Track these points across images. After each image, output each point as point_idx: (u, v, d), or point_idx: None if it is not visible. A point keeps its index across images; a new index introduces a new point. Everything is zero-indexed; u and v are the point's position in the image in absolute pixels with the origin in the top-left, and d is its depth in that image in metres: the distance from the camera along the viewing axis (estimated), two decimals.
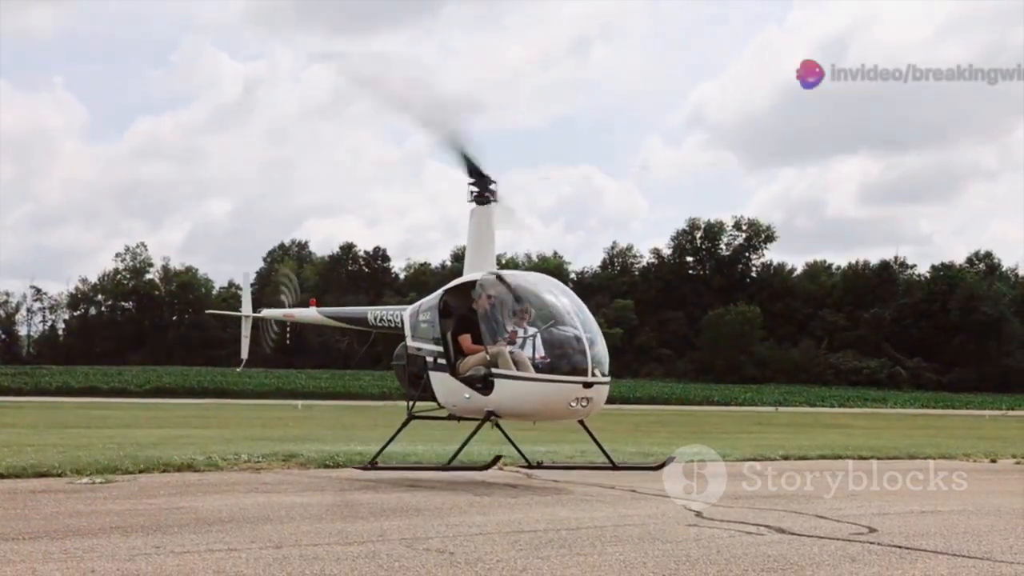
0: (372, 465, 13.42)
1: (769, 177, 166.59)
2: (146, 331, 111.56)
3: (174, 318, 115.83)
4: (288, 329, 17.42)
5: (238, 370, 20.35)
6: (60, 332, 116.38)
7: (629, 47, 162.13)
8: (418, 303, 13.62)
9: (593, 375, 11.90)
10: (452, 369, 12.61)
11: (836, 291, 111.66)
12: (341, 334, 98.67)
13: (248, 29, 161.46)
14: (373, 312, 14.85)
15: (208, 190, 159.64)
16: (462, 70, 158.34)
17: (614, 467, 13.19)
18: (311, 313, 16.53)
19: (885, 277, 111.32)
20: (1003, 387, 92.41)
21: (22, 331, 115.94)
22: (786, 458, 17.38)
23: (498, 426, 13.59)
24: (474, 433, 12.85)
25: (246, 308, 18.37)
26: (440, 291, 13.22)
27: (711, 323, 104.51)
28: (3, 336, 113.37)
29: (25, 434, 21.71)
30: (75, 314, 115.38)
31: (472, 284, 12.73)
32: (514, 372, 11.88)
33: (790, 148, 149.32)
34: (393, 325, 14.16)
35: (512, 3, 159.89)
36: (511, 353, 11.99)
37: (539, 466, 13.79)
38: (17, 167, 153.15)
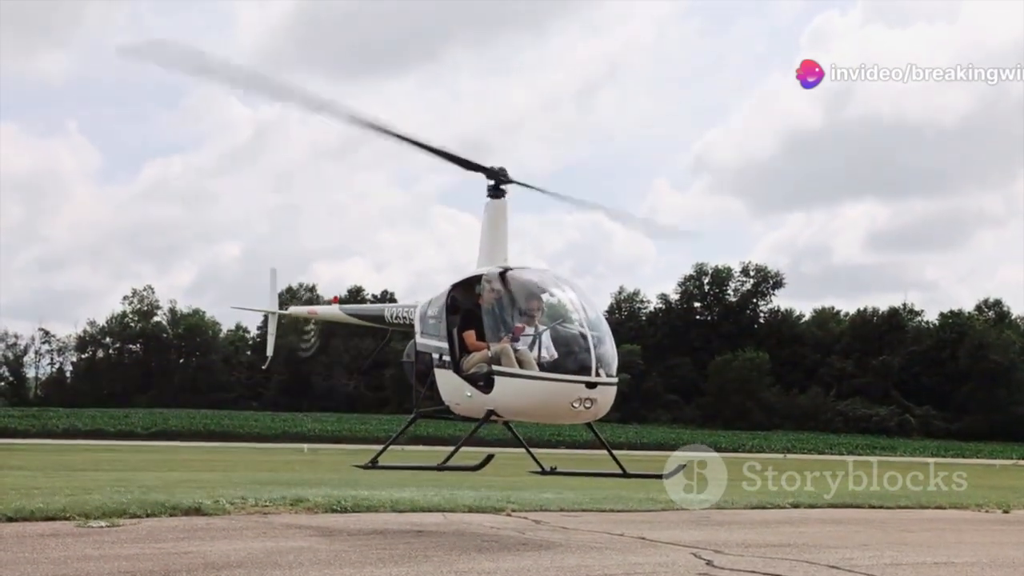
0: (373, 464, 13.13)
1: (775, 223, 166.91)
2: (153, 373, 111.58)
3: (181, 361, 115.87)
4: (312, 330, 17.42)
5: (264, 367, 20.40)
6: (68, 374, 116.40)
7: (635, 92, 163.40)
8: (428, 300, 13.21)
9: (598, 375, 11.31)
10: (456, 366, 12.18)
11: (844, 338, 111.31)
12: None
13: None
14: (389, 309, 14.61)
15: (216, 233, 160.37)
16: (468, 114, 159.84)
17: (625, 475, 12.68)
18: (333, 310, 16.45)
19: (894, 324, 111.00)
20: (1014, 436, 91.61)
21: (30, 373, 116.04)
22: (796, 506, 17.28)
23: (510, 429, 13.39)
24: (472, 432, 12.33)
25: (272, 305, 18.15)
26: (448, 287, 12.83)
27: (718, 369, 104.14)
28: (11, 378, 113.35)
29: (33, 477, 21.65)
30: (83, 356, 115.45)
31: (478, 279, 12.35)
32: (515, 370, 11.37)
33: (796, 193, 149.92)
34: (407, 322, 13.86)
35: (518, 48, 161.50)
36: (516, 351, 11.51)
37: (553, 472, 13.22)
38: (27, 210, 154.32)
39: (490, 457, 12.33)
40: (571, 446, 60.75)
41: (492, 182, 13.06)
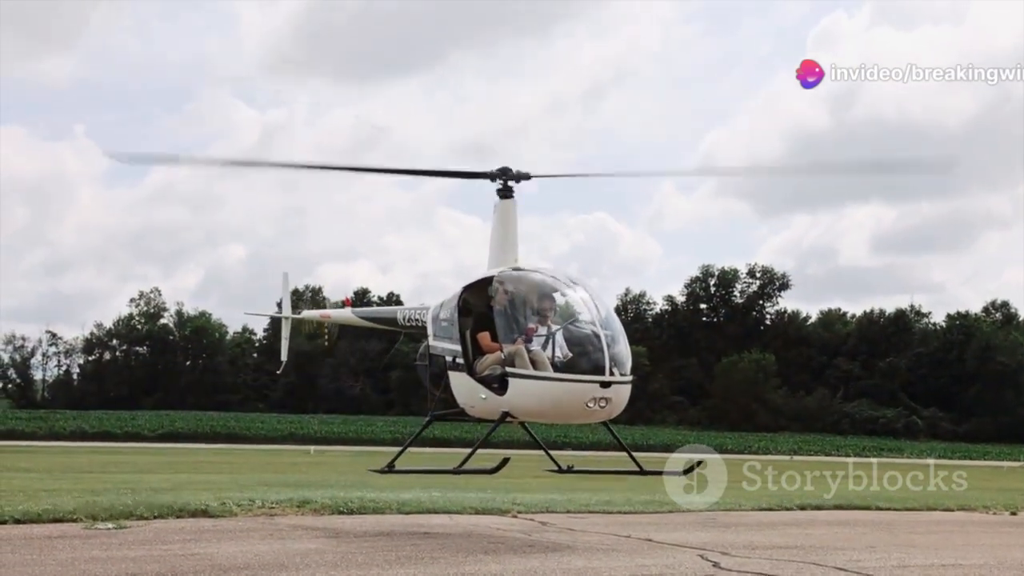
0: (389, 468, 13.12)
1: (781, 225, 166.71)
2: (159, 376, 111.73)
3: (187, 363, 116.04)
4: (327, 331, 17.56)
5: (278, 372, 20.96)
6: (75, 376, 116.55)
7: (640, 94, 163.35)
8: (440, 302, 13.17)
9: (611, 374, 11.26)
10: (470, 369, 12.15)
11: (851, 339, 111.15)
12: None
13: (262, 77, 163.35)
14: (402, 312, 14.66)
15: (222, 235, 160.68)
16: (473, 117, 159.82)
17: (641, 472, 12.64)
18: (345, 313, 16.67)
19: (900, 326, 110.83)
20: (1021, 438, 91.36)
21: (37, 375, 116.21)
22: (802, 508, 17.25)
23: (526, 429, 13.40)
24: (488, 435, 12.28)
25: (286, 310, 18.33)
26: (459, 288, 12.78)
27: (725, 371, 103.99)
28: (18, 380, 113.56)
29: (40, 479, 21.71)
30: (90, 359, 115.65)
31: (490, 280, 12.27)
32: (529, 371, 11.33)
33: (802, 195, 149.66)
34: (420, 325, 13.85)
35: (522, 51, 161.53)
36: (530, 352, 11.43)
37: (570, 470, 13.23)
38: (34, 212, 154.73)
39: (506, 460, 12.26)
40: (577, 447, 60.70)
41: (500, 183, 13.05)
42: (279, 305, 18.78)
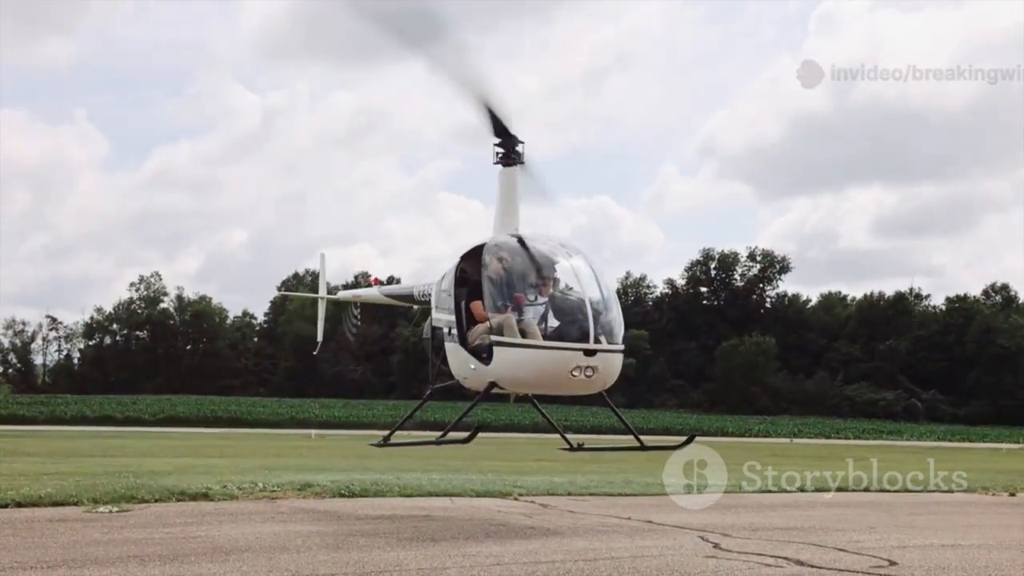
0: (385, 441, 13.40)
1: (782, 208, 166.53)
2: (160, 360, 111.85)
3: (188, 347, 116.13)
4: (358, 312, 17.77)
5: (315, 352, 21.63)
6: (75, 361, 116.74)
7: (642, 77, 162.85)
8: (443, 273, 12.98)
9: (598, 342, 10.91)
10: (463, 339, 11.96)
11: (851, 323, 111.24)
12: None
13: (261, 61, 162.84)
14: (417, 288, 14.68)
15: (223, 220, 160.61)
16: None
17: (643, 447, 12.64)
18: (373, 293, 16.92)
19: (900, 309, 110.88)
20: (1020, 420, 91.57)
21: (38, 360, 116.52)
22: (802, 490, 17.28)
23: (539, 409, 13.43)
24: (473, 406, 12.21)
25: (322, 290, 18.68)
26: (458, 258, 12.60)
27: (725, 354, 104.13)
28: (19, 365, 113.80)
29: (41, 463, 21.74)
30: (90, 343, 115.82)
31: (482, 248, 11.97)
32: (514, 340, 11.07)
33: (803, 179, 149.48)
34: (430, 298, 13.79)
35: (524, 33, 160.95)
36: (519, 321, 11.19)
37: (580, 448, 13.18)
38: (35, 197, 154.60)
39: (478, 429, 12.08)
40: (578, 431, 60.82)
41: (503, 151, 12.83)
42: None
